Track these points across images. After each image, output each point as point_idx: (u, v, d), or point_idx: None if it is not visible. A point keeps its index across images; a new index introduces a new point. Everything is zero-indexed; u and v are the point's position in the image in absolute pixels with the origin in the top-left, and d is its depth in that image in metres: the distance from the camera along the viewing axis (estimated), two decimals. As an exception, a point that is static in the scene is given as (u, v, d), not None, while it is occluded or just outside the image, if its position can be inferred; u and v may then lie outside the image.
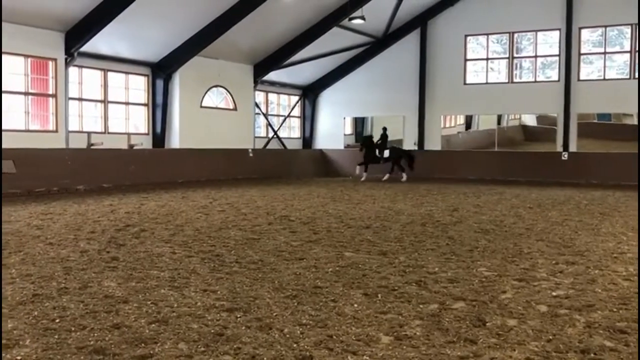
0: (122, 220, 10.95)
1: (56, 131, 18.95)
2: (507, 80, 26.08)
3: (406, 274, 6.79)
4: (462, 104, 26.61)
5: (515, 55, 25.99)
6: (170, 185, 18.68)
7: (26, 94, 18.44)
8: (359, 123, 30.14)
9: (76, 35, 18.53)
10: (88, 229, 9.85)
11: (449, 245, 8.71)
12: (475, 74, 26.75)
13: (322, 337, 4.62)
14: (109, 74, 20.96)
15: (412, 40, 27.24)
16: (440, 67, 26.80)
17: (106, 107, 21.03)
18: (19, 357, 4.15)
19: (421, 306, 5.47)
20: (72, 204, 13.63)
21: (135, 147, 20.55)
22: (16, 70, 18.07)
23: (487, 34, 26.24)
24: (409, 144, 27.44)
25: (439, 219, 11.74)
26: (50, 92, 18.90)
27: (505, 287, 6.19)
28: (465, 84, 26.64)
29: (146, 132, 22.28)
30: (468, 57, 26.71)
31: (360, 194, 17.16)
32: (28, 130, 18.34)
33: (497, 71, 26.59)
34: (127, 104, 21.78)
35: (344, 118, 29.42)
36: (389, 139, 24.91)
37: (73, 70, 19.59)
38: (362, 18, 22.80)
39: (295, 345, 4.44)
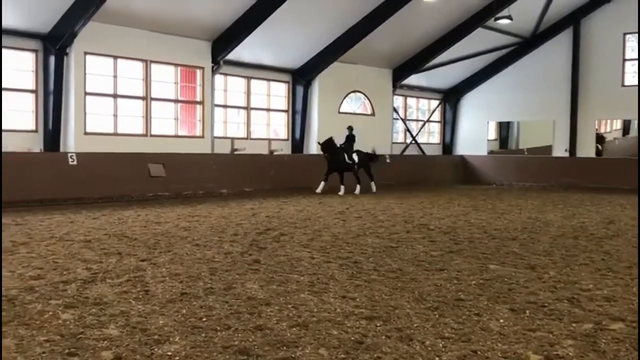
0: (262, 224, 11.23)
1: (202, 137, 19.91)
2: (671, 82, 23.99)
3: (557, 290, 6.36)
4: (620, 108, 24.78)
5: (682, 53, 23.85)
6: (308, 190, 18.97)
7: (176, 101, 19.54)
8: (504, 128, 29.08)
9: (222, 44, 19.38)
10: (231, 232, 10.18)
11: (604, 260, 8.07)
12: (634, 75, 24.88)
13: (465, 352, 4.43)
14: (252, 81, 21.73)
15: (563, 40, 25.85)
16: (595, 68, 25.15)
17: (249, 114, 21.81)
18: (169, 353, 4.30)
19: (574, 325, 5.09)
20: (216, 207, 14.20)
21: (275, 153, 21.13)
22: (167, 78, 19.22)
23: (650, 31, 24.30)
24: (559, 150, 26.02)
25: (593, 231, 10.95)
26: (197, 99, 19.91)
27: (671, 309, 5.61)
28: (623, 85, 24.84)
29: (286, 137, 22.84)
30: (627, 57, 24.90)
31: (505, 203, 16.48)
32: (177, 136, 19.43)
33: (660, 71, 24.55)
34: (268, 110, 22.46)
35: (488, 122, 28.48)
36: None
37: (219, 78, 20.51)
38: (509, 18, 21.96)
39: (437, 358, 4.31)
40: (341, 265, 7.47)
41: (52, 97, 16.41)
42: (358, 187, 19.03)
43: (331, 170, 18.94)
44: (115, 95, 17.86)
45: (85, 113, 17.06)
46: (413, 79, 26.20)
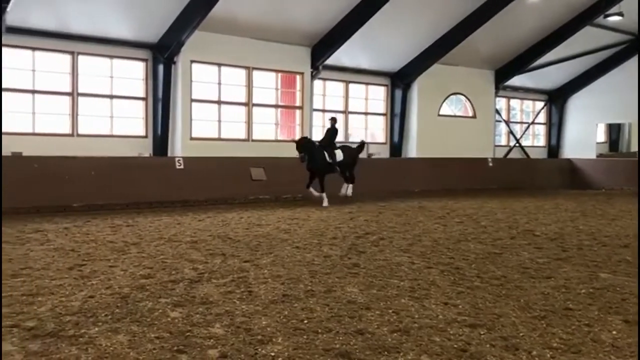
0: (361, 228, 11.23)
1: (302, 141, 20.16)
2: None
3: (676, 301, 5.96)
4: None
5: None
6: (406, 194, 18.83)
7: (276, 106, 19.94)
8: (614, 130, 27.62)
9: (321, 50, 19.58)
10: (330, 235, 10.25)
11: None
12: None
13: (575, 364, 4.23)
14: (350, 85, 21.82)
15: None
16: None
17: (347, 118, 21.90)
18: (272, 353, 4.39)
19: (697, 340, 4.74)
20: (314, 211, 14.35)
21: (373, 157, 21.10)
22: (268, 84, 19.66)
23: None
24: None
25: None
26: (297, 104, 20.21)
27: None
28: None
29: (384, 141, 22.75)
30: None
31: (616, 209, 15.66)
32: (277, 141, 19.80)
33: None
34: (366, 114, 22.47)
35: (597, 125, 27.11)
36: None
37: (317, 83, 20.74)
38: (620, 14, 20.84)
39: (545, 370, 4.13)
40: (442, 271, 7.35)
41: (161, 104, 17.18)
42: (350, 187, 16.37)
43: (311, 173, 15.86)
44: (219, 102, 18.46)
45: (191, 119, 17.72)
46: (517, 80, 25.39)
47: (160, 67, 17.11)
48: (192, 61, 17.59)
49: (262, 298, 5.88)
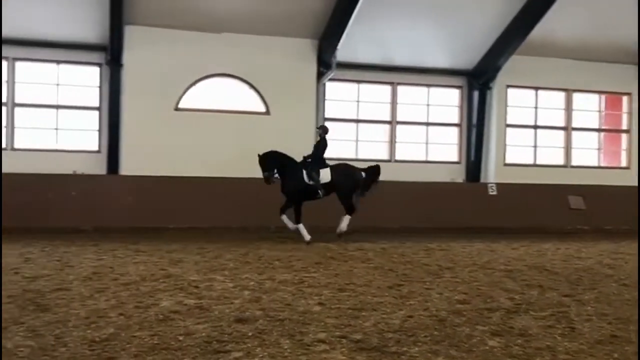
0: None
1: (628, 168, 18.45)
2: None
3: None
4: None
5: None
6: None
7: (599, 130, 18.56)
8: None
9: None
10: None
11: None
12: None
13: None
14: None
15: None
16: None
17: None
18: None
19: None
20: None
21: None
22: (589, 107, 18.44)
23: None
24: None
25: None
26: (623, 127, 18.56)
27: None
28: None
29: None
30: None
31: None
32: (599, 167, 18.41)
33: None
34: None
35: None
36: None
37: (649, 104, 18.81)
38: None
39: None
40: None
41: (475, 130, 17.27)
42: (345, 219, 12.31)
43: (288, 199, 12.23)
44: (535, 127, 17.90)
45: (505, 144, 17.48)
46: None
47: (475, 93, 17.26)
48: (507, 86, 17.40)
49: (587, 337, 5.44)
